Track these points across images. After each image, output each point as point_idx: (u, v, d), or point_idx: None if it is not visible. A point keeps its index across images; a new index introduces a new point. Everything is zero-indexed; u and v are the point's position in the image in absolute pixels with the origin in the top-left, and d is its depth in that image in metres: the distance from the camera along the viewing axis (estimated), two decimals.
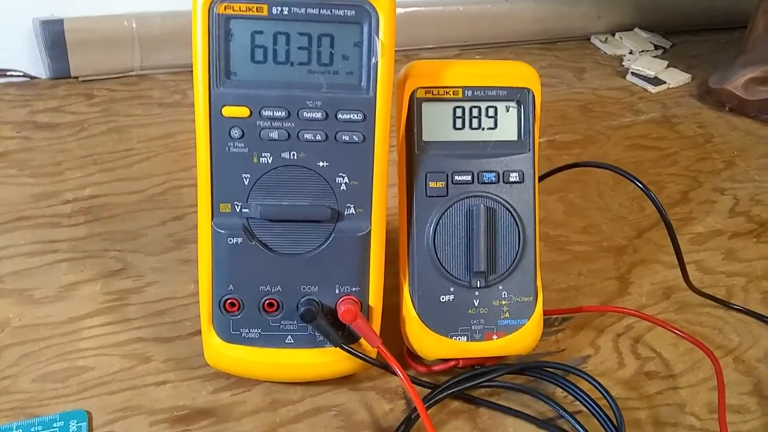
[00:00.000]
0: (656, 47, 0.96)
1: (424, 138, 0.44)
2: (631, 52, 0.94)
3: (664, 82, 0.87)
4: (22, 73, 0.76)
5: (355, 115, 0.41)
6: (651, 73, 0.87)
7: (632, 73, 0.88)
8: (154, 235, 0.56)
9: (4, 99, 0.72)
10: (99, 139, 0.67)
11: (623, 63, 0.92)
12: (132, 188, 0.61)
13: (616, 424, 0.42)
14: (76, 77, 0.76)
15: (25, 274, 0.52)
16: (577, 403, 0.44)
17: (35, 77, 0.76)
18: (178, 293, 0.51)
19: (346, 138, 0.41)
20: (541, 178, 0.47)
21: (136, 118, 0.71)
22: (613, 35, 0.98)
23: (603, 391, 0.43)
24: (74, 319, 0.48)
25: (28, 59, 0.76)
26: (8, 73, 0.76)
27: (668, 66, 0.90)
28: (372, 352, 0.43)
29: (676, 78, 0.88)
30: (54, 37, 0.74)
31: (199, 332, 0.46)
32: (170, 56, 0.78)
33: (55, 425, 0.42)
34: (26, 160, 0.64)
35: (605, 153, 0.72)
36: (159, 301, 0.50)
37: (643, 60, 0.91)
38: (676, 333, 0.49)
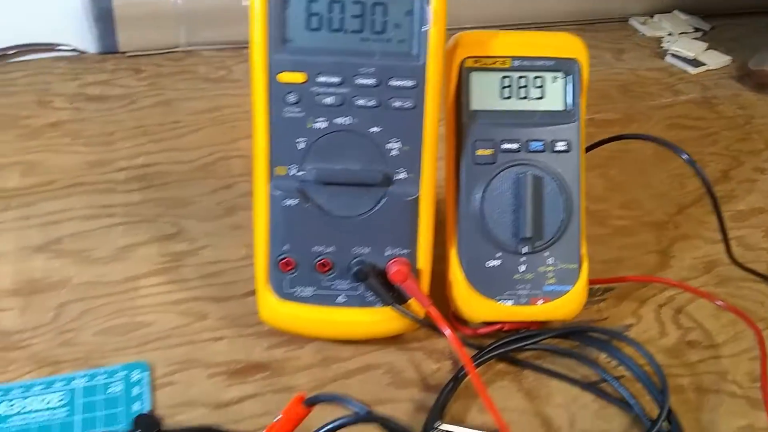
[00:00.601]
0: (695, 30, 0.96)
1: (472, 107, 0.45)
2: (670, 34, 0.94)
3: (704, 64, 0.87)
4: (71, 48, 0.78)
5: (407, 82, 0.42)
6: (690, 55, 0.87)
7: (672, 55, 0.88)
8: (205, 202, 0.58)
9: (55, 72, 0.75)
10: (148, 111, 0.69)
11: (662, 45, 0.91)
12: (182, 158, 0.63)
13: (660, 388, 0.43)
14: (124, 52, 0.78)
15: (83, 236, 0.54)
16: (621, 368, 0.46)
17: (84, 52, 0.78)
18: (230, 256, 0.53)
19: (398, 104, 0.42)
20: (587, 150, 0.48)
21: (183, 92, 0.73)
22: (652, 17, 0.98)
23: (647, 356, 0.44)
24: (132, 278, 0.50)
25: (77, 34, 0.78)
26: (58, 48, 0.78)
27: (708, 48, 0.90)
28: (420, 312, 0.44)
29: (716, 60, 0.88)
30: (103, 12, 0.76)
31: (251, 293, 0.48)
32: (215, 33, 0.79)
33: (117, 375, 0.44)
34: (79, 130, 0.66)
35: (645, 131, 0.72)
36: (212, 263, 0.52)
37: (682, 42, 0.91)
38: (719, 304, 0.49)
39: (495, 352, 0.45)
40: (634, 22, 0.97)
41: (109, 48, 0.78)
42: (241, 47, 0.80)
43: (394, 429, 0.31)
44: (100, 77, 0.74)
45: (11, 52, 0.76)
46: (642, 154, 0.68)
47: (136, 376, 0.44)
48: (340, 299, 0.44)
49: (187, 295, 0.49)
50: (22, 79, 0.73)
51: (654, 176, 0.66)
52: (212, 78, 0.75)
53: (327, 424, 0.30)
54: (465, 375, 0.43)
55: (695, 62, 0.87)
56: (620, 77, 0.83)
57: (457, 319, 0.47)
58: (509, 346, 0.45)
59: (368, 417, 0.30)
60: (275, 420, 0.32)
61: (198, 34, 0.79)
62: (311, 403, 0.32)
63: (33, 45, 0.77)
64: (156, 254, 0.53)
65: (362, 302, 0.45)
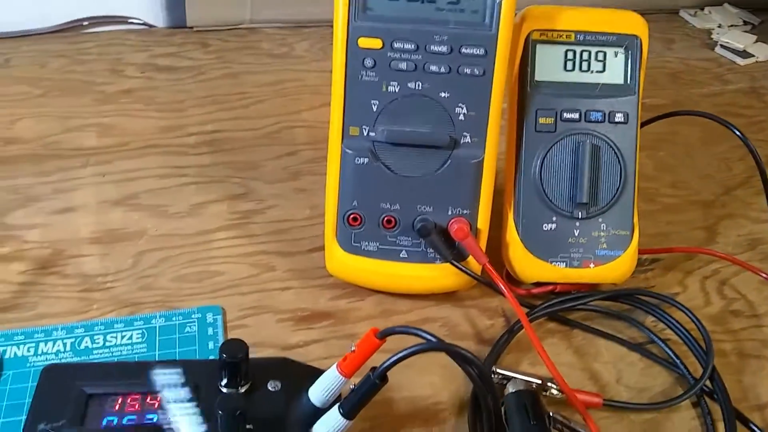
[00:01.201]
0: (745, 23, 0.97)
1: (537, 77, 0.48)
2: (719, 26, 0.95)
3: (753, 56, 0.88)
4: (141, 21, 0.82)
5: (478, 50, 0.44)
6: (740, 46, 0.88)
7: (721, 46, 0.89)
8: (271, 167, 0.61)
9: (126, 44, 0.78)
10: (216, 82, 0.73)
11: (712, 36, 0.93)
12: (249, 126, 0.66)
13: (705, 350, 0.45)
14: (191, 27, 0.82)
15: (158, 193, 0.57)
16: (667, 331, 0.48)
17: (153, 26, 0.82)
18: (295, 216, 0.56)
19: (468, 71, 0.45)
20: (642, 125, 0.50)
21: (248, 66, 0.76)
22: (702, 9, 0.99)
23: (694, 319, 0.46)
24: (205, 232, 0.54)
25: (147, 9, 0.81)
26: (129, 21, 0.82)
27: (757, 41, 0.91)
28: (477, 270, 0.47)
29: (765, 52, 0.89)
30: None
31: (316, 249, 0.51)
32: (278, 12, 0.83)
33: (193, 316, 0.47)
34: (151, 97, 0.69)
35: (693, 118, 0.74)
36: (279, 222, 0.55)
37: (731, 34, 0.92)
38: (763, 277, 0.51)
39: (547, 311, 0.48)
40: (684, 14, 0.98)
41: (177, 23, 0.82)
42: (301, 26, 0.83)
43: (464, 357, 0.33)
44: (169, 50, 0.78)
45: (85, 23, 0.80)
46: (690, 138, 0.70)
47: (210, 318, 0.47)
48: (403, 254, 0.47)
49: (256, 249, 0.53)
50: (94, 49, 0.77)
51: (701, 159, 0.68)
52: (275, 54, 0.78)
53: (401, 351, 0.33)
54: (519, 329, 0.46)
55: (744, 53, 0.88)
56: (670, 65, 0.84)
57: (510, 280, 0.50)
58: (560, 306, 0.48)
59: (439, 345, 0.33)
60: (350, 351, 0.35)
61: (262, 12, 0.83)
62: (384, 335, 0.35)
63: (105, 17, 0.81)
64: (226, 211, 0.56)
65: (423, 258, 0.47)
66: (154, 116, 0.67)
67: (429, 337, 0.33)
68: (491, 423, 0.35)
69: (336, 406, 0.35)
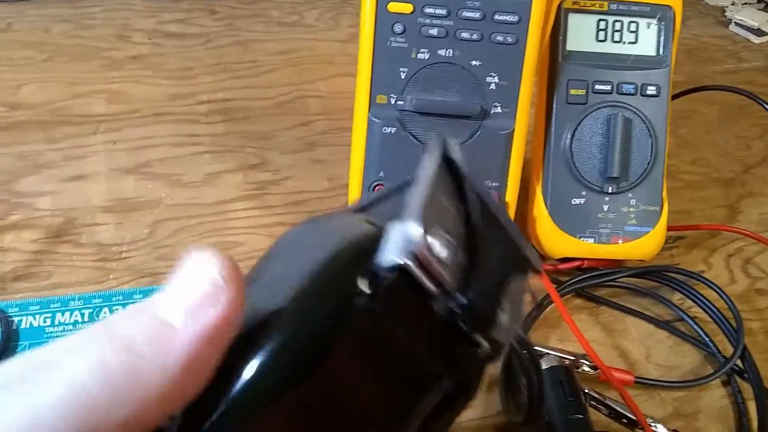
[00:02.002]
0: (759, 0, 0.96)
1: (568, 47, 0.47)
2: (733, 3, 0.94)
3: (767, 34, 0.87)
4: None
5: (511, 17, 0.43)
6: (755, 24, 0.87)
7: (735, 23, 0.88)
8: (285, 137, 0.60)
9: (133, 9, 0.76)
10: (225, 50, 0.71)
11: (725, 14, 0.91)
12: (261, 95, 0.64)
13: (734, 328, 0.44)
14: None
15: (172, 162, 0.56)
16: (695, 309, 0.47)
17: None
18: (313, 188, 0.55)
19: (500, 39, 0.43)
20: (672, 98, 0.49)
21: (258, 33, 0.74)
22: None
23: (724, 296, 0.46)
24: (221, 202, 0.52)
25: None
26: None
27: None
28: None
29: None
30: None
31: None
32: None
33: None
34: (160, 63, 0.67)
35: (710, 94, 0.73)
36: (296, 193, 0.54)
37: (746, 11, 0.91)
38: None
39: (574, 287, 0.47)
40: None
41: None
42: None
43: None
44: (177, 16, 0.76)
45: None
46: (708, 116, 0.69)
47: None
48: None
49: (274, 220, 0.51)
50: (100, 14, 0.74)
51: (720, 137, 0.67)
52: (285, 22, 0.76)
53: None
54: (547, 305, 0.45)
55: (759, 32, 0.87)
56: (685, 42, 0.83)
57: None
58: (588, 282, 0.47)
59: None
60: None
61: None
62: None
63: None
64: (242, 182, 0.54)
65: None
66: (164, 83, 0.65)
67: None
68: (532, 399, 0.34)
69: None
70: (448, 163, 0.18)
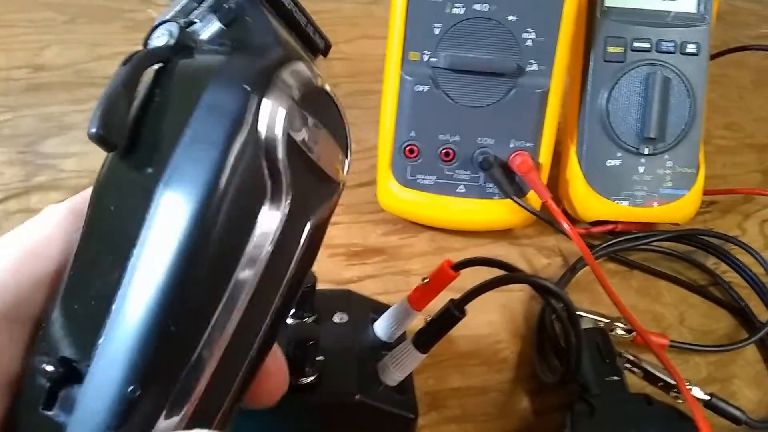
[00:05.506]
0: None
1: (606, 3, 0.45)
2: None
3: None
4: None
5: None
6: None
7: None
8: None
9: None
10: None
11: None
12: None
13: None
14: None
15: None
16: (729, 273, 0.46)
17: None
18: None
19: None
20: (711, 57, 0.48)
21: None
22: None
23: (761, 261, 0.45)
24: None
25: None
26: None
27: None
28: (537, 207, 0.45)
29: None
30: None
31: (364, 184, 0.49)
32: None
33: None
34: None
35: (742, 58, 0.71)
36: None
37: None
38: None
39: (608, 250, 0.46)
40: None
41: None
42: None
43: (549, 290, 0.32)
44: None
45: None
46: (740, 81, 0.67)
47: None
48: (460, 189, 0.45)
49: None
50: None
51: (753, 102, 0.65)
52: None
53: (483, 283, 0.31)
54: (580, 268, 0.44)
55: None
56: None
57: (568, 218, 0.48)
58: (622, 245, 0.46)
59: (523, 277, 0.32)
60: (423, 283, 0.34)
61: None
62: (460, 267, 0.33)
63: None
64: None
65: (481, 193, 0.45)
66: None
67: (511, 268, 0.32)
68: (569, 359, 0.34)
69: (408, 340, 0.33)
70: None
